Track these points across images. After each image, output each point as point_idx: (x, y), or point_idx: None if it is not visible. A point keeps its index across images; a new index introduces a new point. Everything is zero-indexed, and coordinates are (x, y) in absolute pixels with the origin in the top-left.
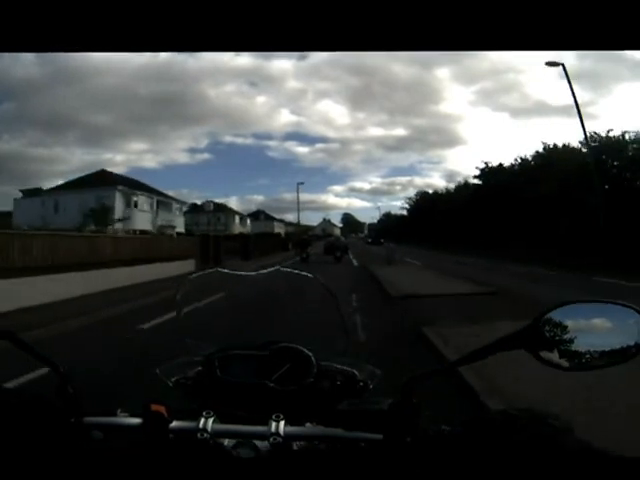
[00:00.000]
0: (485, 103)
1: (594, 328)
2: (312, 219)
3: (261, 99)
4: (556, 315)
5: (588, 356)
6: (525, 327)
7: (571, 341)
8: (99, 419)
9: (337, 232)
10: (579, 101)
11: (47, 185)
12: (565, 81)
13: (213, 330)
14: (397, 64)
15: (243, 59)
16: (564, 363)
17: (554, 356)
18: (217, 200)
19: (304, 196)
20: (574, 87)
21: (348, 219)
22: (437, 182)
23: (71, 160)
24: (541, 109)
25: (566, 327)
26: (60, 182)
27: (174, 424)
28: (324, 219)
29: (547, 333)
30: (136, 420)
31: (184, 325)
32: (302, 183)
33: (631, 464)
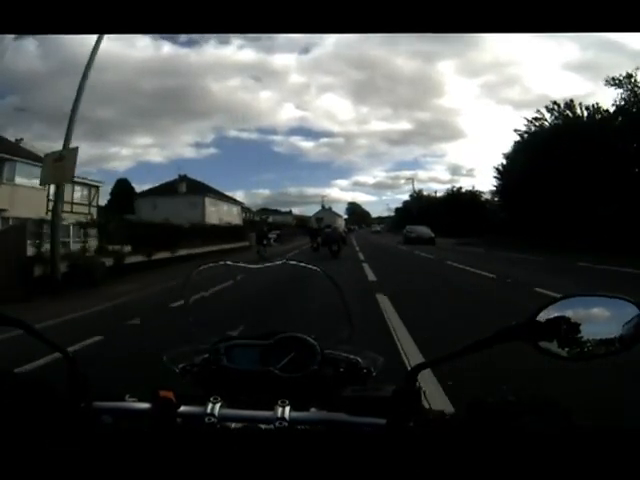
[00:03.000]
0: (488, 96)
1: (593, 320)
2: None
3: (265, 94)
4: (555, 308)
5: (589, 345)
6: (525, 320)
7: (570, 333)
8: (108, 404)
9: (341, 223)
10: (581, 92)
11: None
12: (566, 73)
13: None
14: (400, 57)
15: (246, 53)
16: (563, 353)
17: (553, 346)
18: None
19: (309, 190)
20: (576, 78)
21: (354, 209)
22: (441, 175)
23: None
24: (544, 101)
25: (565, 320)
26: None
27: (182, 409)
28: (323, 206)
29: (546, 325)
30: (145, 405)
31: (190, 313)
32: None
33: (632, 446)
